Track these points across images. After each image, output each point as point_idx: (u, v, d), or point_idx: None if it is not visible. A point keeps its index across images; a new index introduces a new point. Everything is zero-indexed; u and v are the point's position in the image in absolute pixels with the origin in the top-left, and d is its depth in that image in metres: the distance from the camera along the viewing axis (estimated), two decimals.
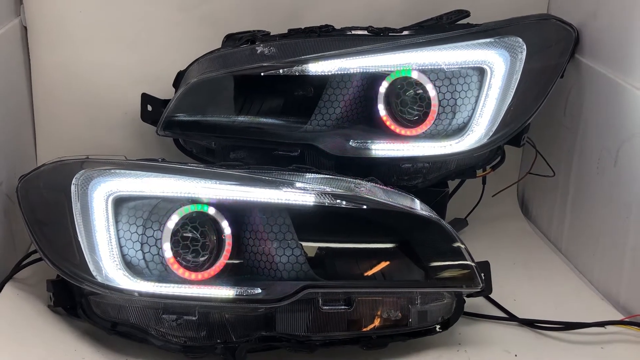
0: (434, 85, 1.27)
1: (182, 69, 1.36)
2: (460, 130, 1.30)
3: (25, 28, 1.48)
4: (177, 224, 1.12)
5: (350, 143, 1.30)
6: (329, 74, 1.24)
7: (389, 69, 1.27)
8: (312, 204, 1.12)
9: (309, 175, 1.17)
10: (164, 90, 1.45)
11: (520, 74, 1.29)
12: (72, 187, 1.14)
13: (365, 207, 1.12)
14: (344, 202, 1.11)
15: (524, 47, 1.29)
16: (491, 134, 1.29)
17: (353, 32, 1.28)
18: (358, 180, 1.17)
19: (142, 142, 1.51)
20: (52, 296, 1.20)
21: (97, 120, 1.52)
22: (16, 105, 1.47)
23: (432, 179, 1.36)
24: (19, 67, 1.47)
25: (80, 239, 1.11)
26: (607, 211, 1.38)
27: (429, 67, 1.26)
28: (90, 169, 1.15)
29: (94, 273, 1.10)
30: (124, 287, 1.09)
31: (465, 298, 1.21)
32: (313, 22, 1.37)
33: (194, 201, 1.13)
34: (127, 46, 1.49)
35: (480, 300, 1.33)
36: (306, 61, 1.23)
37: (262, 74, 1.23)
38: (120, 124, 1.51)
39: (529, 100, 1.33)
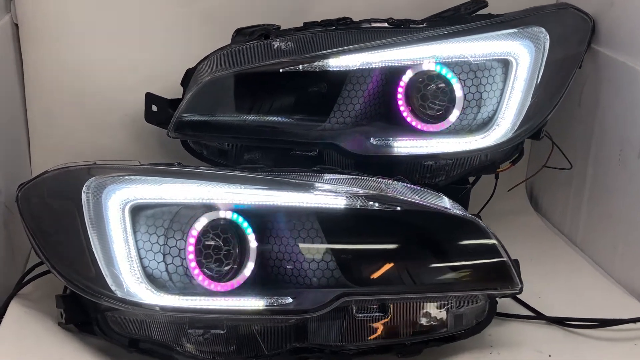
0: (459, 79, 1.22)
1: (190, 67, 1.29)
2: (485, 124, 1.26)
3: (17, 25, 1.39)
4: (200, 232, 1.05)
5: (371, 141, 1.25)
6: (351, 68, 1.19)
7: (412, 62, 1.22)
8: (343, 207, 1.06)
9: (335, 176, 1.11)
10: (165, 89, 1.37)
11: (544, 65, 1.25)
12: (83, 195, 1.06)
13: (399, 208, 1.06)
14: (376, 204, 1.06)
15: (547, 37, 1.25)
16: (516, 127, 1.26)
17: (372, 24, 1.22)
18: (388, 181, 1.12)
19: (144, 144, 1.44)
20: (63, 313, 1.12)
21: (95, 122, 1.43)
22: (8, 107, 1.38)
23: (454, 176, 1.31)
24: (9, 67, 1.38)
25: (95, 251, 1.04)
26: (629, 203, 1.36)
27: (454, 59, 1.21)
28: (102, 176, 1.07)
29: (113, 287, 1.03)
30: (148, 301, 1.02)
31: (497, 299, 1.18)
32: (319, 16, 1.32)
33: (217, 207, 1.06)
34: (125, 44, 1.42)
35: (506, 299, 1.30)
36: (327, 56, 1.17)
37: (280, 70, 1.17)
38: (120, 125, 1.43)
39: (552, 91, 1.29)
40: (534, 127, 1.28)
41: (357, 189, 1.06)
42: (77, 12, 1.39)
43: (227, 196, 1.06)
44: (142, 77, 1.41)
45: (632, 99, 1.33)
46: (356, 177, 1.11)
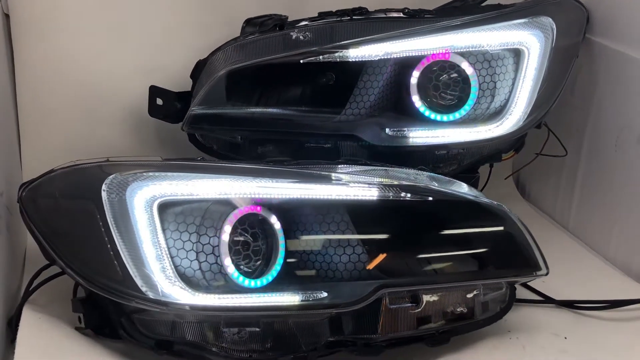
0: (474, 68, 1.23)
1: (201, 58, 1.25)
2: (498, 113, 1.27)
3: (7, 16, 1.32)
4: (234, 228, 1.02)
5: (387, 132, 1.24)
6: (373, 59, 1.18)
7: (429, 52, 1.21)
8: (375, 198, 1.06)
9: (363, 168, 1.10)
10: (165, 81, 1.34)
11: (551, 54, 1.27)
12: (103, 194, 1.01)
13: (430, 198, 1.06)
14: (409, 195, 1.06)
15: (554, 27, 1.27)
16: (526, 116, 1.27)
17: (388, 14, 1.21)
18: (414, 171, 1.12)
19: (144, 140, 1.40)
20: (81, 317, 1.07)
21: (91, 117, 1.38)
22: None
23: (465, 165, 1.32)
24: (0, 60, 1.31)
25: (121, 252, 0.99)
26: (626, 188, 1.40)
27: (469, 49, 1.22)
28: (123, 173, 1.02)
29: (144, 289, 0.98)
30: (184, 302, 0.98)
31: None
32: (319, 5, 1.30)
33: (248, 202, 1.04)
34: (122, 34, 1.37)
35: None
36: (348, 46, 1.15)
37: (301, 61, 1.14)
38: (119, 120, 1.39)
39: (556, 80, 1.31)
40: (541, 115, 1.30)
41: (391, 180, 1.05)
42: (74, 2, 1.33)
43: (259, 190, 1.03)
44: (140, 69, 1.37)
45: (630, 87, 1.37)
46: (385, 168, 1.10)
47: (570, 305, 1.31)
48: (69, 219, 1.04)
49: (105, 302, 1.04)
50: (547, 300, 1.32)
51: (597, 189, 1.50)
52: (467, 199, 1.09)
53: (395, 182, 1.05)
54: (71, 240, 1.03)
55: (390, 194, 1.05)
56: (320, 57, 1.15)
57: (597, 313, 1.29)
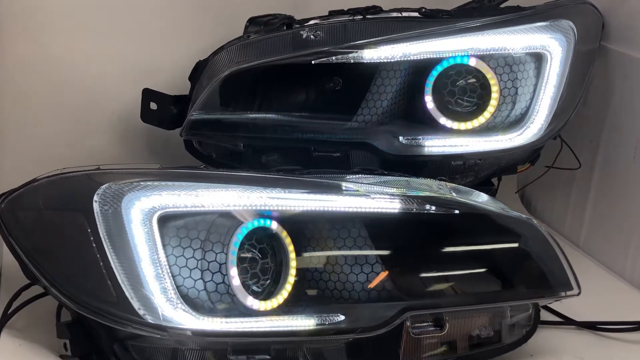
0: (495, 73, 1.15)
1: (201, 59, 1.15)
2: (518, 122, 1.19)
3: None
4: (242, 244, 0.92)
5: (400, 140, 1.16)
6: (389, 60, 1.09)
7: (446, 55, 1.14)
8: (396, 211, 0.97)
9: (382, 178, 1.02)
10: (159, 84, 1.25)
11: (571, 59, 1.21)
12: (95, 205, 0.91)
13: (457, 211, 0.98)
14: (433, 208, 0.97)
15: (575, 31, 1.21)
16: (547, 124, 1.20)
17: (403, 13, 1.13)
18: (436, 182, 1.03)
19: (135, 148, 1.31)
20: (67, 344, 0.96)
21: (78, 123, 1.30)
22: None
23: (482, 177, 1.25)
24: None
25: (115, 271, 0.89)
26: None
27: (490, 52, 1.14)
28: (118, 182, 0.92)
29: (141, 312, 0.88)
30: (188, 326, 0.88)
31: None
32: (323, 5, 1.22)
33: (258, 215, 0.94)
34: (113, 33, 1.29)
35: None
36: (363, 46, 1.07)
37: (313, 62, 1.06)
38: (108, 126, 1.30)
39: (575, 88, 1.25)
40: (562, 124, 1.23)
41: (414, 191, 0.96)
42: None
43: (271, 202, 0.94)
44: (133, 70, 1.29)
45: None
46: (406, 178, 1.02)
47: (592, 327, 1.23)
48: (55, 233, 0.94)
49: (96, 326, 0.93)
50: (567, 321, 1.24)
51: (613, 204, 1.43)
52: (495, 212, 1.00)
53: (420, 194, 0.96)
54: (57, 257, 0.93)
55: (414, 206, 0.96)
56: (333, 57, 1.07)
57: (621, 335, 1.22)
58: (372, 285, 0.98)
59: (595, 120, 1.45)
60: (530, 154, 1.31)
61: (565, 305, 1.26)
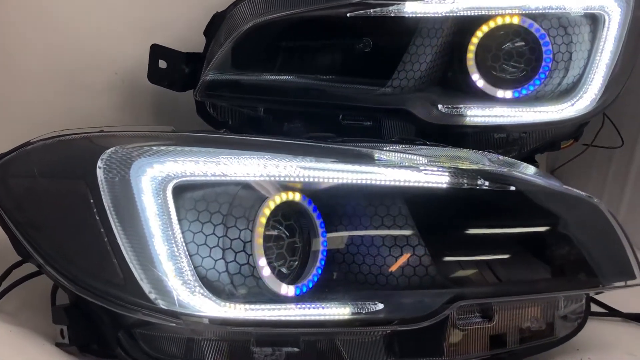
0: (549, 35, 1.04)
1: (218, 10, 1.03)
2: (570, 91, 1.08)
3: None
4: (268, 220, 0.81)
5: (439, 108, 1.05)
6: (432, 15, 0.97)
7: (493, 12, 1.02)
8: (445, 186, 0.85)
9: (426, 149, 0.90)
10: (169, 40, 1.13)
11: (630, 24, 1.09)
12: (99, 172, 0.80)
13: (512, 188, 0.86)
14: (487, 183, 0.85)
15: None
16: (600, 95, 1.08)
17: None
18: (488, 154, 0.92)
19: (140, 111, 1.20)
20: (65, 330, 0.86)
21: (75, 84, 1.19)
22: None
23: (525, 153, 1.13)
24: None
25: (122, 248, 0.78)
26: None
27: (544, 10, 1.02)
28: (125, 146, 0.81)
29: (152, 296, 0.77)
30: (207, 313, 0.76)
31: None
32: None
33: (287, 187, 0.82)
34: None
35: None
36: None
37: (347, 15, 0.93)
38: (109, 88, 1.19)
39: (630, 56, 1.12)
40: (614, 96, 1.11)
41: (466, 164, 0.85)
42: None
43: (302, 172, 0.82)
44: (138, 25, 1.17)
45: None
46: (454, 149, 0.90)
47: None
48: (51, 204, 0.84)
49: (98, 311, 0.83)
50: (612, 313, 1.14)
51: None
52: (556, 190, 0.89)
53: (474, 167, 0.84)
54: (53, 230, 0.84)
55: (465, 181, 0.85)
56: (371, 10, 0.94)
57: None
58: (412, 270, 0.86)
59: (637, 93, 1.35)
60: (576, 128, 1.19)
61: (608, 295, 1.18)
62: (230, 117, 1.09)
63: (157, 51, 1.08)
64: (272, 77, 1.02)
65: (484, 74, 1.07)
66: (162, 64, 1.09)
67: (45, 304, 0.93)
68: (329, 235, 0.87)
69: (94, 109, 1.18)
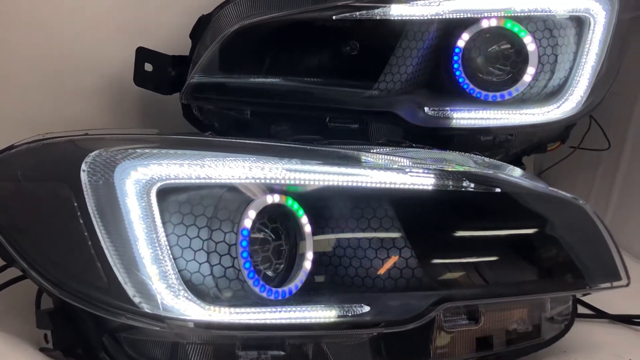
0: (534, 37, 1.04)
1: (204, 13, 1.02)
2: (555, 93, 1.08)
3: None
4: (254, 222, 0.80)
5: (426, 111, 1.04)
6: (418, 18, 0.97)
7: (479, 15, 1.02)
8: (430, 188, 0.85)
9: (412, 151, 0.90)
10: (155, 43, 1.12)
11: (614, 27, 1.09)
12: (83, 175, 0.79)
13: (498, 190, 0.86)
14: (472, 185, 0.85)
15: None
16: (586, 97, 1.09)
17: None
18: (473, 156, 0.92)
19: (126, 114, 1.18)
20: (48, 335, 0.85)
21: (60, 88, 1.16)
22: None
23: (512, 156, 1.13)
24: None
25: (106, 251, 0.77)
26: None
27: (529, 13, 1.02)
28: (109, 149, 0.80)
29: (137, 299, 0.76)
30: (191, 317, 0.75)
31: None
32: None
33: (272, 189, 0.82)
34: None
35: None
36: (391, 0, 0.95)
37: (334, 17, 0.93)
38: (95, 91, 1.17)
39: (615, 59, 1.13)
40: (600, 98, 1.11)
41: (452, 166, 0.85)
42: None
43: (288, 175, 0.82)
44: (124, 27, 1.16)
45: None
46: (438, 151, 0.90)
47: (627, 320, 1.14)
48: (35, 208, 0.83)
49: (82, 316, 0.82)
50: (600, 314, 1.14)
51: None
52: (541, 192, 0.89)
53: (459, 168, 0.84)
54: (37, 234, 0.82)
55: (450, 182, 0.85)
56: (357, 13, 0.94)
57: None
58: (399, 272, 0.86)
59: (626, 97, 1.35)
60: (562, 131, 1.20)
61: (595, 297, 1.18)
62: (217, 120, 1.08)
63: (143, 54, 1.07)
64: (259, 79, 1.01)
65: (471, 77, 1.06)
66: (148, 67, 1.08)
67: (29, 308, 0.92)
68: (315, 237, 0.86)
69: (80, 112, 1.16)
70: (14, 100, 1.16)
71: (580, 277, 0.94)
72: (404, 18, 0.97)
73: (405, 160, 0.87)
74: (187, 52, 1.08)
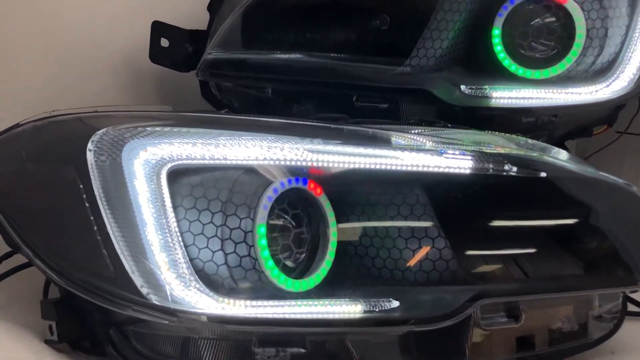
0: (582, 9, 0.96)
1: None
2: (604, 71, 1.00)
3: None
4: (272, 208, 0.74)
5: (462, 89, 0.98)
6: None
7: None
8: (468, 172, 0.78)
9: (447, 131, 0.83)
10: (172, 17, 1.08)
11: None
12: (89, 155, 0.74)
13: (543, 174, 0.79)
14: (515, 169, 0.78)
15: None
16: (639, 75, 1.01)
17: None
18: (516, 137, 0.85)
19: (140, 92, 1.15)
20: (53, 326, 0.80)
21: (72, 64, 1.13)
22: None
23: (555, 138, 1.06)
24: None
25: (113, 238, 0.72)
26: None
27: None
28: (117, 127, 0.75)
29: (145, 290, 0.71)
30: (203, 310, 0.70)
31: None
32: None
33: (293, 172, 0.75)
34: None
35: None
36: None
37: None
38: (109, 69, 1.14)
39: None
40: None
41: (493, 147, 0.77)
42: None
43: (309, 156, 0.75)
44: (135, 3, 1.11)
45: None
46: (477, 131, 0.83)
47: None
48: (40, 190, 0.79)
49: (89, 306, 0.77)
50: None
51: None
52: (592, 178, 0.82)
53: (501, 150, 0.77)
54: (42, 219, 0.78)
55: (491, 166, 0.77)
56: None
57: None
58: (432, 264, 0.79)
59: None
60: (611, 112, 1.12)
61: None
62: (237, 99, 1.04)
63: (158, 28, 1.04)
64: (281, 55, 0.96)
65: (511, 53, 1.00)
66: (164, 42, 1.05)
67: (35, 298, 0.88)
68: (340, 225, 0.79)
69: (92, 90, 1.13)
70: (28, 80, 1.12)
71: (630, 272, 0.86)
72: None
73: (439, 141, 0.80)
74: (205, 27, 1.04)
